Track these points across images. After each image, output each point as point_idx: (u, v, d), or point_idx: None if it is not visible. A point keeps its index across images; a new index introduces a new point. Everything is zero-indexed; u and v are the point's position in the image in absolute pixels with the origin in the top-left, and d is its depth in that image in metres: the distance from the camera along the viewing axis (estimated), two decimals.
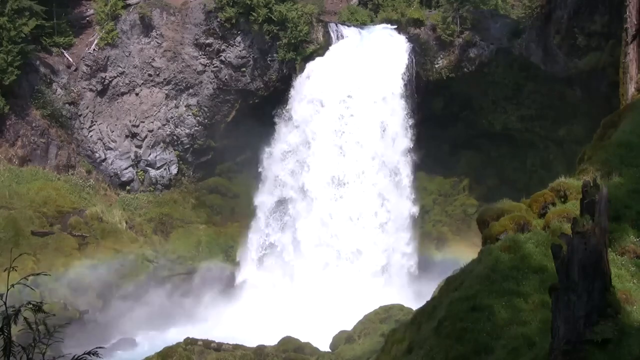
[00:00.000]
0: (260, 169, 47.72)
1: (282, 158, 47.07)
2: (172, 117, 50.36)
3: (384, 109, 45.69)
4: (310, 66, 46.99)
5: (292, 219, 46.57)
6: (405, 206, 46.22)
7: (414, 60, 46.86)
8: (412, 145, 46.08)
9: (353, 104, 45.48)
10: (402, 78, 46.27)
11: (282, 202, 47.41)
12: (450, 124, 48.20)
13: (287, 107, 47.08)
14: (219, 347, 33.42)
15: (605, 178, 16.11)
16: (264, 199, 47.81)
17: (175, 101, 50.29)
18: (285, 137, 47.03)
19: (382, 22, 50.25)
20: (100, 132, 49.69)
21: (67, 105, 48.54)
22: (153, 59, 49.72)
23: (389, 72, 46.20)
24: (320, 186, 45.60)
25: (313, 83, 46.43)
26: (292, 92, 47.00)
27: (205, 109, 50.29)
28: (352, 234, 44.92)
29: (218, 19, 48.78)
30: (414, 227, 46.91)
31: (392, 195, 45.85)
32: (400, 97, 45.98)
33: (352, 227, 45.16)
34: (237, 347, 33.47)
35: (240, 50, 49.22)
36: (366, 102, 45.49)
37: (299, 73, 47.35)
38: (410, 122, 46.05)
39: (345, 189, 45.47)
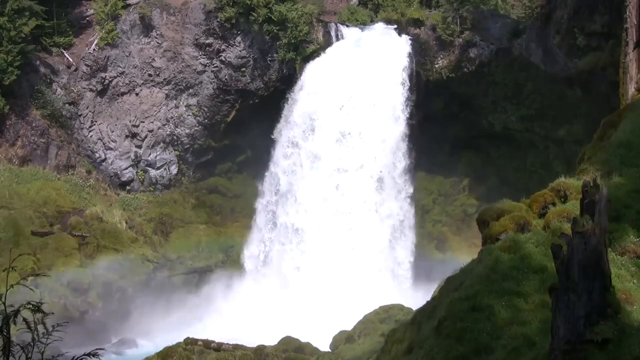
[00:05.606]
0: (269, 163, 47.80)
1: (283, 157, 47.11)
2: (172, 117, 50.35)
3: (384, 109, 45.67)
4: (310, 66, 46.99)
5: (292, 219, 46.55)
6: (405, 207, 46.23)
7: (414, 60, 46.85)
8: (412, 146, 46.11)
9: (352, 104, 45.44)
10: (402, 78, 46.26)
11: (282, 201, 47.40)
12: (450, 124, 48.16)
13: (286, 106, 47.12)
14: (219, 347, 33.34)
15: (605, 178, 16.09)
16: (264, 198, 47.87)
17: (175, 101, 50.28)
18: (285, 136, 47.08)
19: (382, 22, 50.22)
20: (100, 132, 49.67)
21: (67, 105, 48.53)
22: (153, 59, 49.72)
23: (389, 72, 46.17)
24: (318, 187, 45.58)
25: (312, 83, 46.42)
26: (292, 92, 47.03)
27: (205, 109, 50.28)
28: (352, 233, 44.89)
29: (218, 19, 48.78)
30: (414, 227, 46.91)
31: (392, 195, 45.84)
32: (400, 97, 45.95)
33: (352, 226, 45.14)
34: (237, 347, 33.37)
35: (240, 50, 49.23)
36: (366, 102, 45.46)
37: (298, 73, 47.35)
38: (410, 122, 46.04)
39: (345, 189, 45.44)
